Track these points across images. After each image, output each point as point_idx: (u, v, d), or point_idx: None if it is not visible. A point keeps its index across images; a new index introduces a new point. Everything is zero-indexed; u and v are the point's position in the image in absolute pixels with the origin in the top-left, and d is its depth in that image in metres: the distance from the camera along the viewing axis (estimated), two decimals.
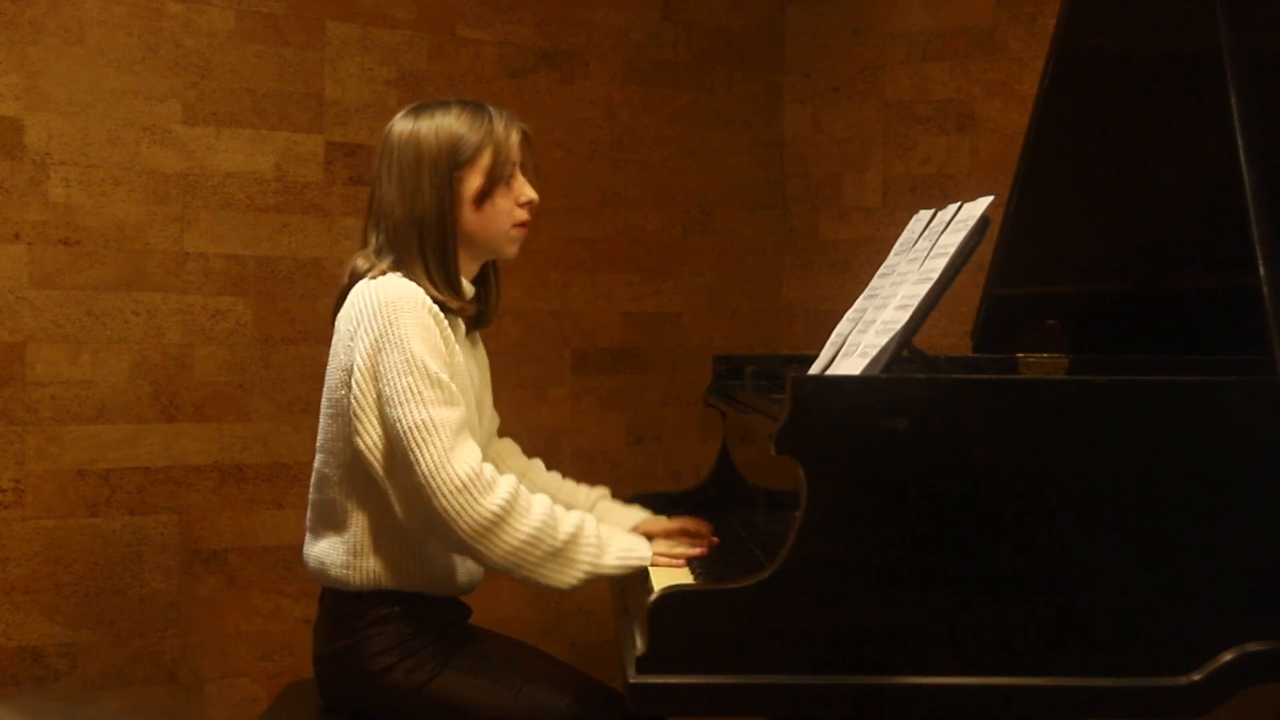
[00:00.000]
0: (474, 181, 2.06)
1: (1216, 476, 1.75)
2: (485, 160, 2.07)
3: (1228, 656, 1.71)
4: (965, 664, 1.72)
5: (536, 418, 3.59)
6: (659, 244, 3.79)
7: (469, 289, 2.11)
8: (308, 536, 2.10)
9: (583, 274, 3.65)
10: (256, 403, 3.25)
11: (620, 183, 3.72)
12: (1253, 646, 1.72)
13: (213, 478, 3.20)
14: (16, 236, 2.98)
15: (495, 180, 2.07)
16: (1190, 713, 1.72)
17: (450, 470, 1.86)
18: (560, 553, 1.90)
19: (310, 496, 2.10)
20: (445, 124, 2.06)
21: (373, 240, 2.09)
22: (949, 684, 1.71)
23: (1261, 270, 1.90)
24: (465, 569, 2.10)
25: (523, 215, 2.12)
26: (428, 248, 2.04)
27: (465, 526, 1.86)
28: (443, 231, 2.04)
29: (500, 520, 1.87)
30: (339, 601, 2.06)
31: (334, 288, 3.34)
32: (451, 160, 2.04)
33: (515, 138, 2.10)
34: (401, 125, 2.09)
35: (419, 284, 2.01)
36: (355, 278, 2.06)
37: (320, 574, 2.07)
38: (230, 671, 3.23)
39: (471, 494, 1.86)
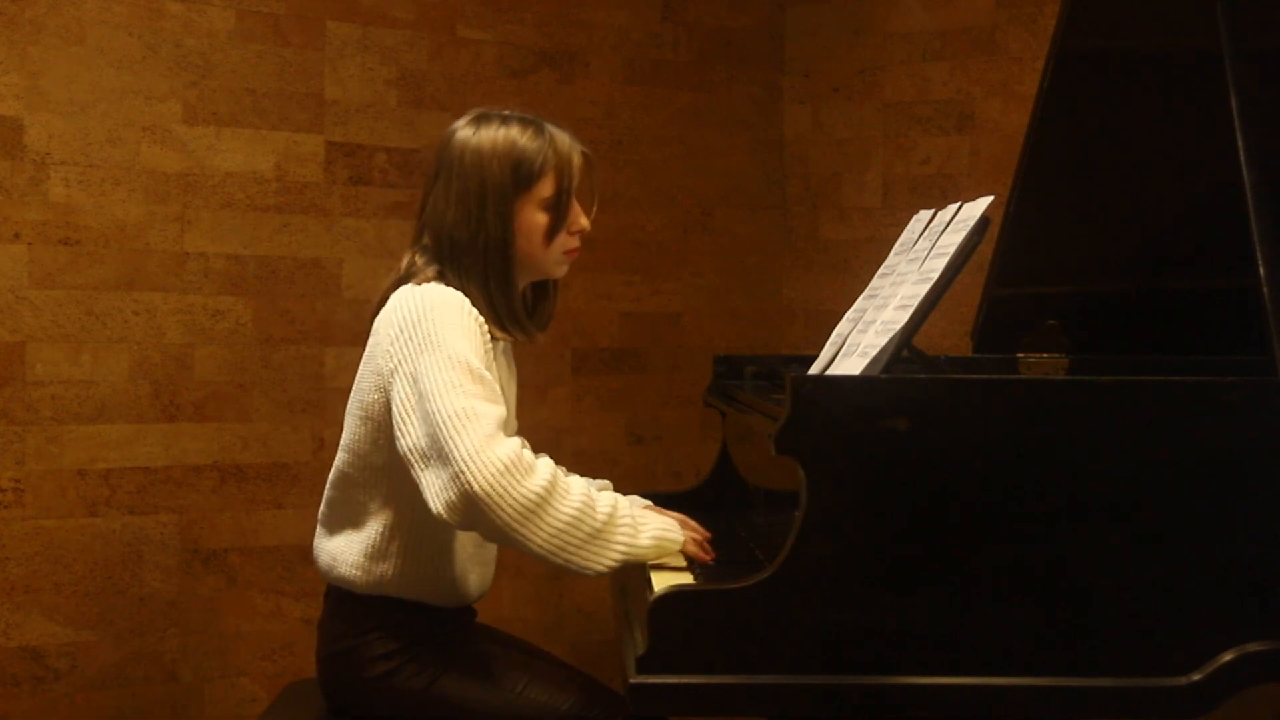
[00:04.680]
0: (534, 210, 2.04)
1: (1217, 476, 1.75)
2: (547, 189, 2.05)
3: (1228, 656, 1.71)
4: (965, 664, 1.72)
5: (537, 418, 3.59)
6: (659, 244, 3.79)
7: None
8: (320, 531, 2.09)
9: (583, 274, 3.65)
10: (256, 403, 3.25)
11: (620, 183, 3.72)
12: (1253, 646, 1.72)
13: (213, 478, 3.20)
14: (16, 236, 2.98)
15: (555, 211, 2.05)
16: (1190, 713, 1.72)
17: (490, 454, 1.79)
18: (599, 534, 1.85)
19: (327, 493, 2.09)
20: (509, 147, 2.02)
21: (428, 247, 2.06)
22: (949, 684, 1.71)
23: (1261, 270, 1.90)
24: (473, 582, 2.08)
25: (574, 242, 2.10)
26: (491, 275, 2.03)
27: (509, 510, 1.79)
28: (505, 261, 2.03)
29: (544, 502, 1.81)
30: (343, 601, 2.05)
31: (334, 288, 3.36)
32: (514, 187, 2.02)
33: (577, 162, 2.08)
34: (463, 140, 2.04)
35: (474, 302, 2.01)
36: (400, 280, 2.05)
37: (330, 570, 2.06)
38: (230, 671, 3.23)
39: (514, 475, 1.79)
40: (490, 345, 2.00)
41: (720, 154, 3.87)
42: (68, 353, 3.04)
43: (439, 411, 1.83)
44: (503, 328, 2.04)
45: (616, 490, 2.41)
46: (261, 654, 3.26)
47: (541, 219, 2.04)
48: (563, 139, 2.06)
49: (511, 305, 2.04)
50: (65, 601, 3.04)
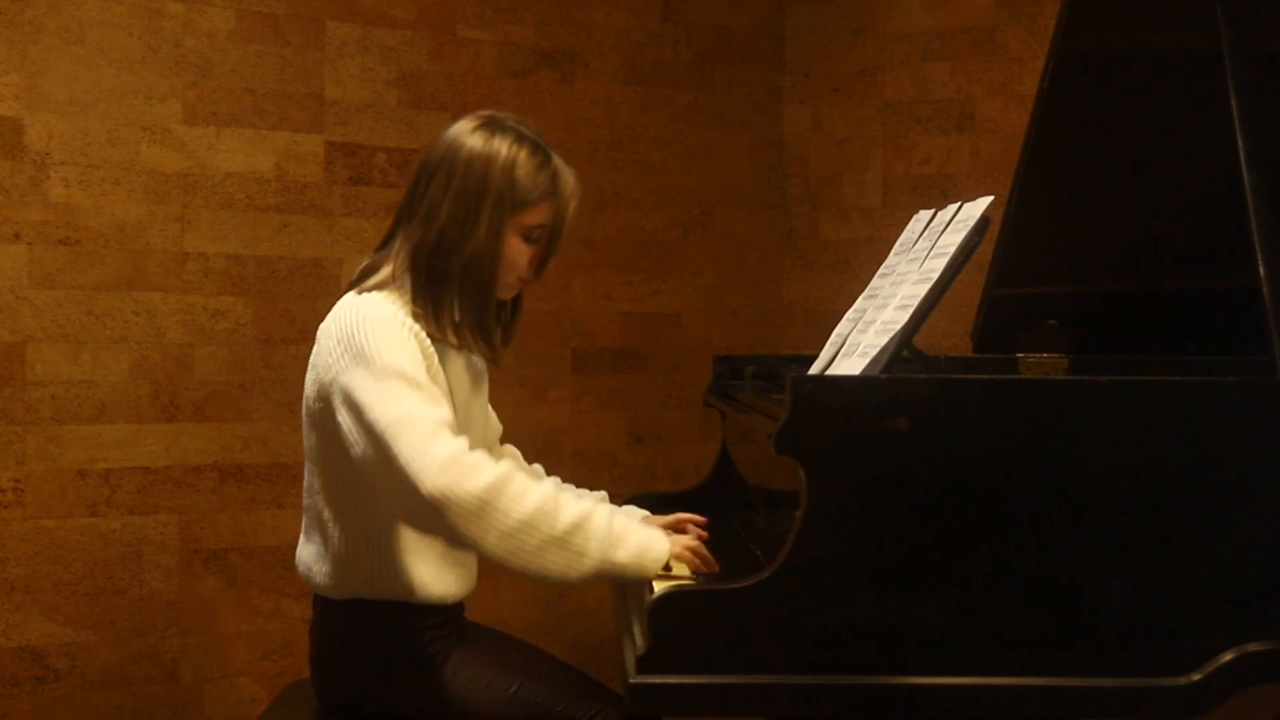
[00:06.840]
0: (516, 233, 2.00)
1: (1216, 476, 1.75)
2: (537, 217, 2.01)
3: (1228, 656, 1.71)
4: (965, 664, 1.72)
5: (536, 418, 3.59)
6: (659, 244, 3.79)
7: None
8: (301, 538, 2.10)
9: (583, 274, 3.65)
10: (256, 403, 3.25)
11: (620, 183, 3.72)
12: (1253, 646, 1.72)
13: (213, 478, 3.20)
14: (16, 236, 2.98)
15: (537, 242, 2.02)
16: (1190, 713, 1.72)
17: (429, 456, 1.77)
18: (564, 542, 1.80)
19: (303, 500, 2.09)
20: (513, 162, 1.99)
21: (400, 250, 2.02)
22: (949, 684, 1.71)
23: (1261, 270, 1.90)
24: (453, 582, 2.05)
25: (529, 275, 2.05)
26: (468, 283, 1.99)
27: (459, 507, 1.76)
28: (486, 271, 1.99)
29: (488, 503, 1.77)
30: (327, 608, 2.05)
31: (334, 288, 3.35)
32: (511, 204, 1.98)
33: (574, 207, 2.04)
34: (472, 142, 2.00)
35: (434, 311, 1.97)
36: (354, 283, 2.03)
37: (308, 578, 2.06)
38: (230, 671, 3.23)
39: (453, 475, 1.76)
40: (430, 351, 1.95)
41: (720, 154, 3.87)
42: (68, 353, 3.04)
43: (377, 422, 1.81)
44: (464, 339, 2.02)
45: (615, 491, 2.43)
46: (261, 654, 3.26)
47: (518, 245, 2.01)
48: (569, 176, 2.04)
49: (482, 317, 2.01)
50: (65, 601, 3.04)
